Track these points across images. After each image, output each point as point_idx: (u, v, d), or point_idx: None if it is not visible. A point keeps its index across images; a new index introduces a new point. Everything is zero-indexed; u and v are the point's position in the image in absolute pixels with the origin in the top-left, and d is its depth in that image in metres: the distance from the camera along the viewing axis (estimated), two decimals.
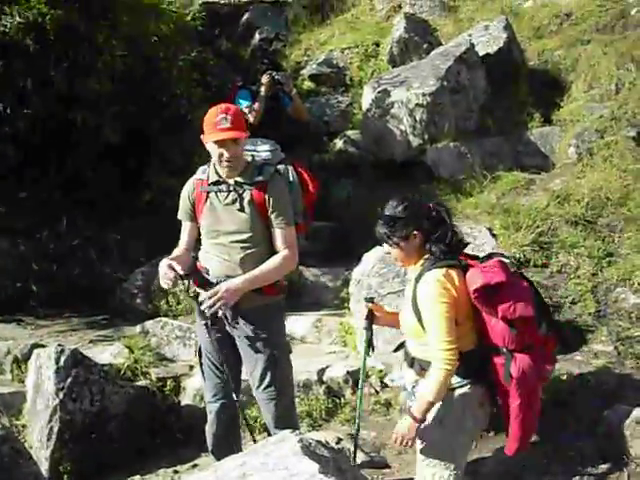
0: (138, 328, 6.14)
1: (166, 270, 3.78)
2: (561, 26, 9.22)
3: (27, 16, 6.76)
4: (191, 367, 5.60)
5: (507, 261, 3.46)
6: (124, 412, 5.14)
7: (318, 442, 2.77)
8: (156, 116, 7.42)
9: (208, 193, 3.93)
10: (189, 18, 9.23)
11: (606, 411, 4.53)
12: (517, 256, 5.90)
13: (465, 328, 3.30)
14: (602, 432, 4.49)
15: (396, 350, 3.68)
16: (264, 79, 7.08)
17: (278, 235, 3.89)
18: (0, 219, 6.89)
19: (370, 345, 3.83)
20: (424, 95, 7.85)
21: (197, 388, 5.20)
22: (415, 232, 3.34)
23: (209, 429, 4.18)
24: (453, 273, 3.28)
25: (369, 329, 3.78)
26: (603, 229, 6.11)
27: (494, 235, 6.13)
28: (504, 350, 3.25)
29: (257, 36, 11.13)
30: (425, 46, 9.36)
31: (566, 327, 5.43)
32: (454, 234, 3.39)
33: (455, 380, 3.31)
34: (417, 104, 7.86)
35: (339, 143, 8.71)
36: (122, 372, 5.44)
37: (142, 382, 5.41)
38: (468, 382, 3.34)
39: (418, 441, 3.41)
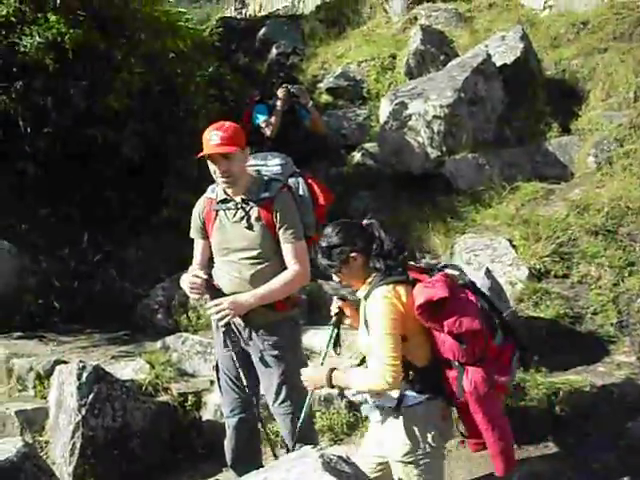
0: (159, 344, 6.15)
1: (192, 279, 3.83)
2: (578, 35, 9.18)
3: (46, 36, 6.87)
4: (212, 382, 5.58)
5: (457, 273, 3.49)
6: (146, 428, 5.14)
7: (339, 457, 2.76)
8: (174, 132, 7.48)
9: (217, 211, 3.96)
10: (206, 34, 9.33)
11: (630, 423, 4.49)
12: (537, 267, 5.87)
13: (416, 342, 3.33)
14: (625, 444, 4.44)
15: (359, 365, 3.69)
16: (280, 92, 7.11)
17: (288, 250, 3.89)
18: (21, 236, 6.97)
19: (336, 343, 3.80)
20: (441, 107, 7.84)
21: (218, 403, 5.18)
22: (353, 254, 3.39)
23: (228, 444, 4.19)
24: (401, 289, 3.31)
25: (336, 326, 3.76)
26: (624, 238, 6.06)
27: (514, 246, 6.11)
28: (456, 364, 3.29)
29: (274, 50, 11.20)
30: (442, 57, 9.37)
31: (587, 338, 5.40)
32: (394, 247, 3.42)
33: (413, 396, 3.34)
34: (434, 116, 7.85)
35: (357, 156, 8.71)
36: (143, 388, 5.44)
37: (163, 398, 5.41)
38: (426, 397, 3.35)
39: (393, 460, 3.44)
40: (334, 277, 3.53)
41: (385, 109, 8.30)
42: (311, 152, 7.02)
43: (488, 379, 3.29)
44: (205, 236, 4.06)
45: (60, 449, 4.97)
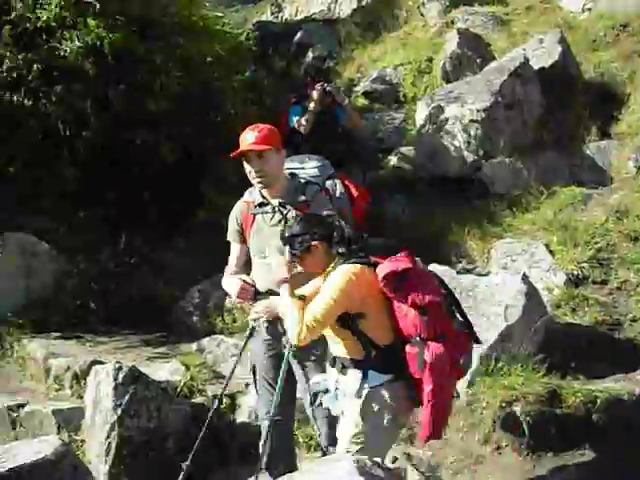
0: (194, 346, 6.19)
1: (243, 286, 3.86)
2: (617, 37, 9.04)
3: (86, 40, 6.96)
4: (247, 385, 5.58)
5: (420, 261, 3.59)
6: (180, 429, 5.15)
7: (374, 462, 2.76)
8: (211, 135, 7.53)
9: (255, 215, 3.99)
10: (243, 38, 9.37)
11: None
12: (575, 273, 5.80)
13: (377, 321, 3.46)
14: None
15: None
16: (314, 92, 7.13)
17: None
18: (60, 238, 7.08)
19: None
20: (478, 111, 7.78)
21: (253, 406, 5.20)
22: (315, 242, 3.52)
23: (263, 446, 4.19)
24: (362, 268, 3.44)
25: None
26: None
27: (551, 252, 6.04)
28: (417, 340, 3.38)
29: (310, 54, 11.21)
30: (479, 61, 9.27)
31: (626, 345, 5.32)
32: (353, 234, 3.58)
33: (377, 375, 3.46)
34: (471, 120, 7.80)
35: (393, 159, 8.67)
36: (178, 390, 5.48)
37: (198, 399, 5.44)
38: (388, 378, 3.47)
39: (340, 435, 3.58)
40: (299, 268, 3.62)
41: (421, 113, 8.26)
42: (347, 154, 7.02)
43: (449, 355, 3.39)
44: (242, 240, 4.08)
45: (96, 448, 5.02)
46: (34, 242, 6.98)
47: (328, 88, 7.18)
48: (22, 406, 5.56)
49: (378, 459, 3.14)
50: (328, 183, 4.05)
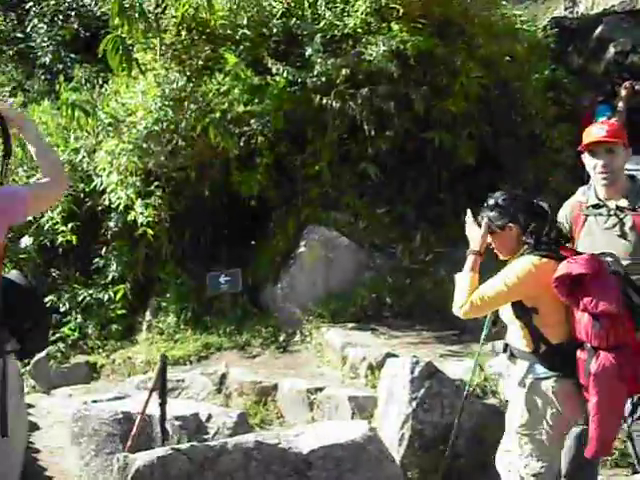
0: (489, 346, 6.15)
1: None
2: None
3: (390, 44, 7.20)
4: None
5: (610, 260, 3.40)
6: (472, 429, 5.15)
7: None
8: (509, 136, 7.46)
9: (587, 216, 3.85)
10: (540, 35, 9.15)
11: None
12: None
13: (552, 319, 3.38)
14: None
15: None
16: (623, 89, 6.78)
17: None
18: (359, 233, 7.39)
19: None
20: None
21: None
22: (510, 224, 3.47)
23: (565, 454, 4.06)
24: (547, 262, 3.35)
25: None
26: None
27: None
28: (588, 346, 3.26)
29: (611, 49, 10.62)
30: None
31: None
32: (553, 229, 3.49)
33: (541, 371, 3.39)
34: None
35: None
36: (471, 389, 5.48)
37: (491, 401, 5.41)
38: (554, 375, 3.38)
39: (507, 423, 3.57)
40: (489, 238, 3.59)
41: None
42: None
43: (618, 367, 3.21)
44: (569, 240, 3.99)
45: (388, 438, 5.14)
46: (335, 236, 7.33)
47: (637, 86, 6.79)
48: (320, 390, 5.83)
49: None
50: None
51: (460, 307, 3.49)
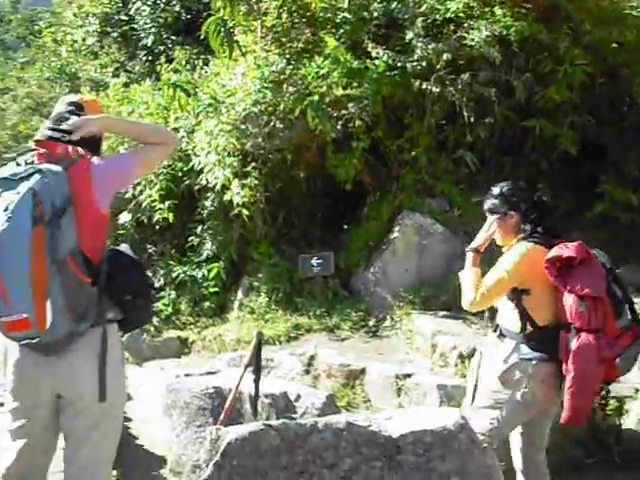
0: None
1: None
2: None
3: (493, 29, 7.06)
4: (637, 390, 5.31)
5: (597, 254, 3.57)
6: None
7: None
8: (614, 126, 7.22)
9: None
10: None
11: None
12: None
13: (540, 301, 3.57)
14: None
15: None
16: None
17: None
18: (454, 221, 7.33)
19: None
20: None
21: None
22: (512, 212, 3.66)
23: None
24: (540, 249, 3.55)
25: None
26: None
27: None
28: (572, 327, 3.42)
29: None
30: None
31: None
32: (549, 220, 3.67)
33: (526, 351, 3.56)
34: None
35: None
36: None
37: None
38: (536, 357, 3.55)
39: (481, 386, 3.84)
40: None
41: None
42: None
43: (596, 348, 3.38)
44: None
45: (477, 429, 5.11)
46: (429, 223, 7.30)
47: None
48: (408, 376, 5.79)
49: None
50: None
51: (470, 301, 3.65)
